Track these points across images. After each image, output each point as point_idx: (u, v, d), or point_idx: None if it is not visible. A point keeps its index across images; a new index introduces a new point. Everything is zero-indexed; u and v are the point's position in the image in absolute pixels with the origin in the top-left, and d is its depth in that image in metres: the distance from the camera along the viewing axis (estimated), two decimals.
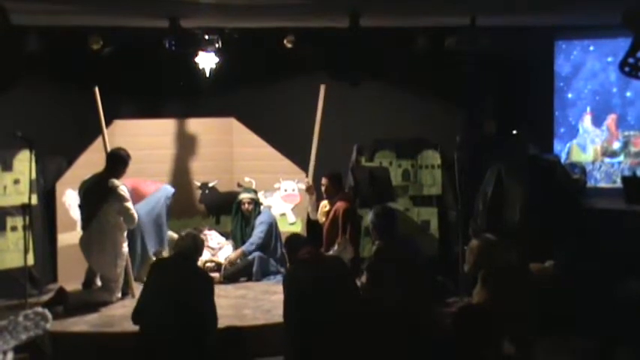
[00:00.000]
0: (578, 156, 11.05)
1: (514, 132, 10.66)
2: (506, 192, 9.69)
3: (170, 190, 10.05)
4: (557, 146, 11.16)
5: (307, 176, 9.78)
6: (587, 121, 11.07)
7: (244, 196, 10.17)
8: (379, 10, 8.75)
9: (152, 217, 9.74)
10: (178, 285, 6.68)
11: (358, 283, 7.40)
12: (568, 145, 11.14)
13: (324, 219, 9.34)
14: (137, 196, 9.76)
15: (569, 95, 11.18)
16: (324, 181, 9.47)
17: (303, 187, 10.15)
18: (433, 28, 10.06)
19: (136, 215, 8.95)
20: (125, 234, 9.01)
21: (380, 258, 7.40)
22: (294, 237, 7.58)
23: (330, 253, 8.70)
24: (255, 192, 10.33)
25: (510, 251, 7.75)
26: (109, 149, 9.07)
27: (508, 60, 10.68)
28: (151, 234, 9.73)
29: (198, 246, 7.15)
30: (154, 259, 9.51)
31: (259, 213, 10.15)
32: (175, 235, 9.81)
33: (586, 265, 7.41)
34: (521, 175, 9.66)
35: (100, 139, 9.63)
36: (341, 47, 9.27)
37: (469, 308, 6.23)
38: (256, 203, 10.17)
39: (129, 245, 9.22)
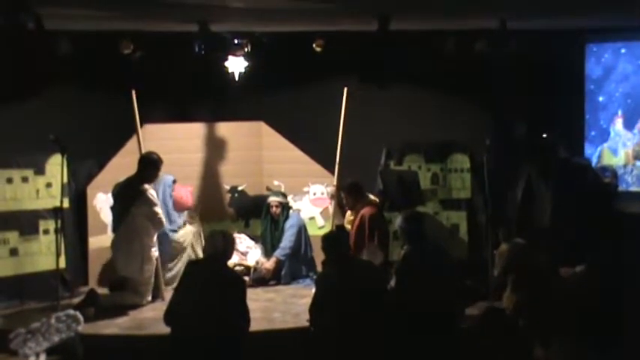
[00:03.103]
0: (609, 159, 11.03)
1: (544, 135, 10.65)
2: (537, 196, 9.68)
3: (169, 178, 10.02)
4: (588, 150, 11.14)
5: (334, 182, 9.82)
6: (618, 124, 11.06)
7: (272, 199, 10.23)
8: (408, 13, 8.79)
9: (165, 210, 9.75)
10: (210, 286, 6.75)
11: (388, 286, 7.45)
12: (599, 148, 11.13)
13: (349, 227, 9.38)
14: None
15: (600, 98, 11.17)
16: (342, 193, 9.52)
17: (330, 190, 10.21)
18: (463, 31, 10.09)
19: (164, 219, 9.05)
20: (154, 238, 9.09)
21: (408, 262, 7.44)
22: (333, 234, 7.60)
23: None
24: (285, 195, 10.39)
25: (540, 256, 7.78)
26: (142, 152, 9.18)
27: (538, 63, 10.69)
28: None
29: (228, 244, 7.16)
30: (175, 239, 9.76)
31: (287, 217, 10.21)
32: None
33: (617, 270, 7.41)
34: (551, 178, 9.66)
35: (130, 143, 9.77)
36: (370, 50, 9.32)
37: (493, 311, 6.27)
38: (284, 206, 10.24)
39: None
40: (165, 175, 10.02)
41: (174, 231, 9.80)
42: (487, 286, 8.90)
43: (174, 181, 10.06)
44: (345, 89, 9.59)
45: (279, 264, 10.00)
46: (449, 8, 8.48)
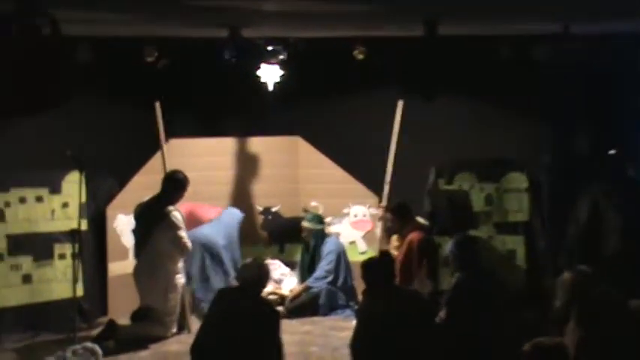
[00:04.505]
0: None
1: (610, 152, 10.51)
2: (603, 219, 9.56)
3: (240, 214, 10.30)
4: None
5: (381, 202, 9.74)
6: None
7: (303, 224, 10.29)
8: (459, 16, 8.71)
9: (229, 243, 10.03)
10: (241, 318, 6.70)
11: (437, 319, 7.37)
12: None
13: (396, 253, 9.30)
14: (194, 221, 9.89)
15: None
16: (388, 216, 9.45)
17: (375, 212, 10.13)
18: (518, 37, 9.99)
19: (189, 244, 9.02)
20: (180, 264, 9.08)
21: (460, 292, 7.37)
22: (373, 261, 7.53)
23: None
24: (320, 219, 10.34)
25: (607, 285, 7.64)
26: (167, 169, 9.18)
27: (603, 71, 10.55)
28: (229, 262, 9.88)
29: (263, 275, 7.13)
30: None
31: (316, 242, 10.16)
32: None
33: None
34: (618, 199, 9.54)
35: (153, 160, 9.78)
36: (416, 58, 9.26)
37: (543, 346, 6.18)
38: (317, 232, 10.20)
39: (203, 274, 9.35)
40: (231, 208, 10.29)
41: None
42: (547, 319, 8.77)
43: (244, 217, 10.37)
44: (400, 102, 9.52)
45: (306, 291, 9.98)
46: (504, 10, 8.39)
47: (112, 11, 7.93)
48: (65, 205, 9.53)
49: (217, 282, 9.78)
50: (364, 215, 10.67)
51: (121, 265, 9.88)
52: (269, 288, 9.75)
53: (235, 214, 10.30)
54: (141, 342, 8.73)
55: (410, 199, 9.71)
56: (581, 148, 10.93)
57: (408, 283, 8.71)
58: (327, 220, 10.54)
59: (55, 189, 9.51)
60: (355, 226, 10.76)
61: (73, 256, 8.74)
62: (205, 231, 10.03)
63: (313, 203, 10.79)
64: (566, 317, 7.51)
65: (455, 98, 10.52)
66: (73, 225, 8.78)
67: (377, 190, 10.06)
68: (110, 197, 10.06)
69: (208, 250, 9.97)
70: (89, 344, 8.14)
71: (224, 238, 10.03)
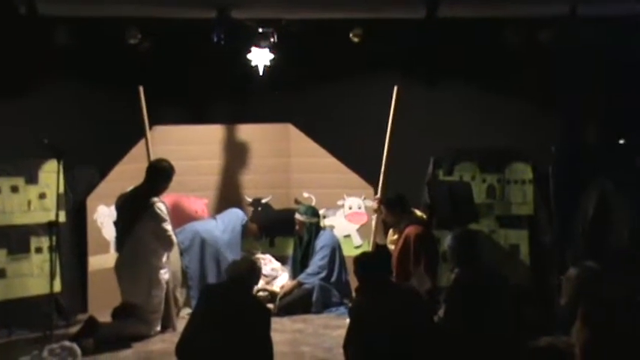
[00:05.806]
0: None
1: (621, 141, 10.52)
2: (612, 212, 9.56)
3: (244, 216, 10.40)
4: None
5: (377, 193, 9.74)
6: None
7: (296, 216, 10.29)
8: None
9: (232, 243, 10.08)
10: (230, 315, 6.68)
11: (436, 318, 7.37)
12: None
13: (393, 247, 9.30)
14: (179, 214, 9.87)
15: None
16: (382, 209, 9.44)
17: (370, 204, 10.14)
18: (524, 19, 10.00)
19: (174, 238, 9.01)
20: (164, 259, 9.04)
21: (459, 288, 7.35)
22: (367, 257, 7.54)
23: None
24: (314, 212, 10.34)
25: (616, 283, 7.66)
26: (151, 158, 9.17)
27: (613, 55, 10.55)
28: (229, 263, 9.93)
29: (255, 272, 7.17)
30: None
31: (310, 236, 10.16)
32: None
33: None
34: (629, 192, 9.54)
35: (136, 148, 9.78)
36: (416, 41, 9.25)
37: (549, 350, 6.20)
38: (311, 226, 10.21)
39: (201, 271, 9.49)
40: (235, 209, 10.39)
41: None
42: (552, 318, 8.79)
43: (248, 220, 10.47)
44: (396, 88, 9.51)
45: (298, 287, 10.03)
46: None
47: None
48: (42, 195, 9.49)
49: (214, 280, 9.78)
50: (359, 207, 10.68)
51: (102, 259, 9.88)
52: (259, 284, 9.77)
53: (240, 215, 10.34)
54: (123, 341, 8.70)
55: (407, 191, 9.71)
56: (590, 138, 10.94)
57: (405, 279, 8.71)
58: (321, 212, 10.54)
59: (32, 179, 9.46)
60: (350, 218, 10.77)
61: (51, 249, 8.71)
62: (208, 226, 10.07)
63: (305, 194, 10.80)
64: (573, 316, 7.55)
65: (456, 84, 10.54)
66: (51, 217, 8.75)
67: (373, 181, 10.06)
68: (90, 188, 10.04)
69: (209, 246, 9.99)
70: (67, 343, 8.11)
71: (228, 238, 10.06)
